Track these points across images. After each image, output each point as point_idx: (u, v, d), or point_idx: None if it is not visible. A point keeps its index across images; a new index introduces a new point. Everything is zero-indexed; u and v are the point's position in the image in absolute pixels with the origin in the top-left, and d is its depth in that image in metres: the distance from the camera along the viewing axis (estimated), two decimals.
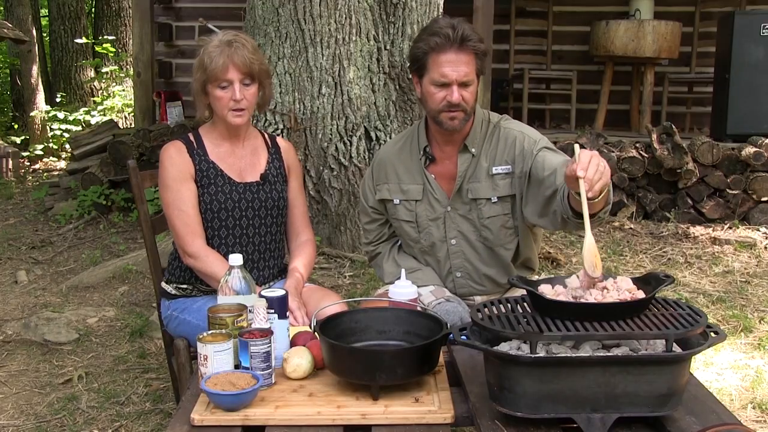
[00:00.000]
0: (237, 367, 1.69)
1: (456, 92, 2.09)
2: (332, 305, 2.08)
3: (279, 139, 2.52)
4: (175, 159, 2.31)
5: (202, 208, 2.31)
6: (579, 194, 1.66)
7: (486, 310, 1.64)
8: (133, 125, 8.28)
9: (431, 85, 2.13)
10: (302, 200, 2.52)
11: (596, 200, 1.74)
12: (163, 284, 2.45)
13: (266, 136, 2.49)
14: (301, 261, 2.42)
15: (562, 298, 1.61)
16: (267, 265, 2.41)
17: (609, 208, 1.91)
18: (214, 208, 2.31)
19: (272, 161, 2.43)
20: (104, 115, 9.98)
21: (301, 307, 2.22)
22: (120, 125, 8.55)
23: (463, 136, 2.22)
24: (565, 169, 1.84)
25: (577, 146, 1.75)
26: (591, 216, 1.85)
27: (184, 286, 2.40)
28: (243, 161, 2.38)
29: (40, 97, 11.06)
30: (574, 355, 1.48)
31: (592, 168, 1.65)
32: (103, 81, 11.11)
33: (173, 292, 2.41)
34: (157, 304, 2.56)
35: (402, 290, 1.97)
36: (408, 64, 2.27)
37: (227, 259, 1.89)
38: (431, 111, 2.17)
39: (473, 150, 2.22)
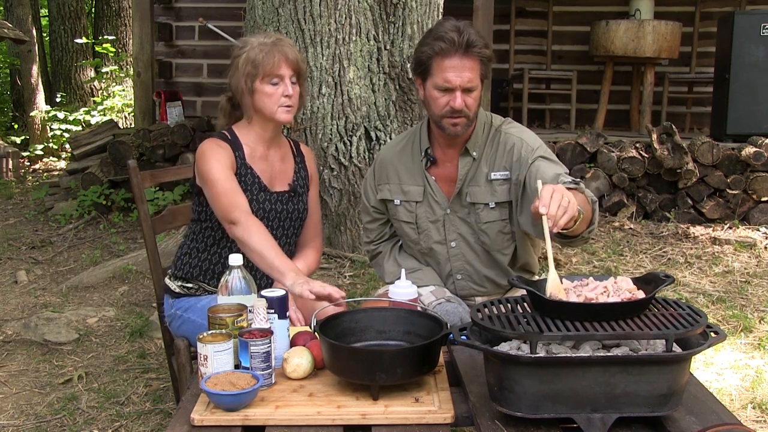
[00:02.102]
0: (237, 367, 1.69)
1: (459, 98, 2.08)
2: (330, 306, 2.08)
3: (302, 147, 2.49)
4: (224, 148, 2.25)
5: None
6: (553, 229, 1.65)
7: (486, 310, 1.65)
8: (133, 125, 8.28)
9: (434, 90, 2.12)
10: (317, 209, 2.50)
11: (572, 228, 1.74)
12: (167, 281, 2.43)
13: (291, 142, 2.47)
14: (299, 264, 2.40)
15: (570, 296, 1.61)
16: None
17: (594, 227, 1.91)
18: None
19: (298, 171, 2.41)
20: (104, 115, 9.97)
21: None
22: (120, 125, 8.56)
23: (465, 140, 2.22)
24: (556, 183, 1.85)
25: (539, 182, 1.73)
26: (574, 236, 1.86)
27: (190, 285, 2.38)
28: (273, 168, 2.35)
29: (40, 97, 11.06)
30: (574, 355, 1.48)
31: (554, 204, 1.63)
32: (103, 81, 11.11)
33: (177, 290, 2.39)
34: (157, 304, 2.56)
35: (402, 290, 1.97)
36: (411, 66, 2.27)
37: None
38: (434, 115, 2.16)
39: (474, 154, 2.22)
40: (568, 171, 2.09)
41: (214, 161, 2.22)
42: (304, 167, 2.44)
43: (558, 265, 4.28)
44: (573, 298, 1.59)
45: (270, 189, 2.32)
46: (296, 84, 2.27)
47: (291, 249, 2.42)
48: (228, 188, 2.19)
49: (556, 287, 1.63)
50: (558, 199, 1.63)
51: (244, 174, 2.27)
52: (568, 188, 1.77)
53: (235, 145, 2.29)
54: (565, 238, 1.87)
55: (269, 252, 2.08)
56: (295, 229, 2.38)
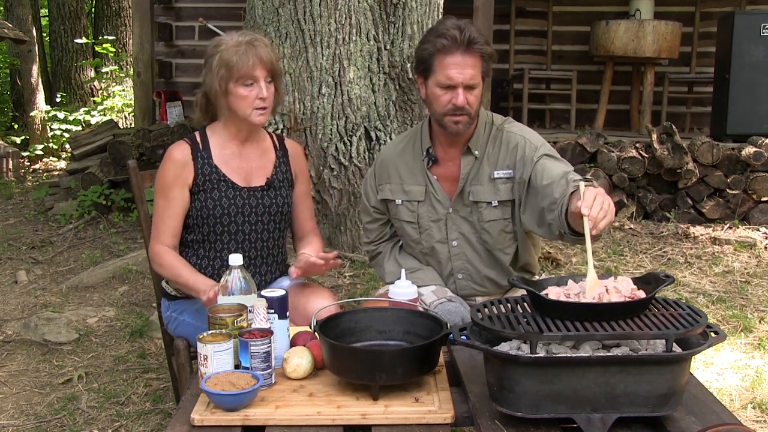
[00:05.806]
0: (237, 367, 1.69)
1: (461, 95, 2.09)
2: (328, 306, 2.07)
3: (287, 142, 2.48)
4: (178, 162, 2.28)
5: (204, 213, 2.28)
6: (582, 227, 1.67)
7: (486, 310, 1.65)
8: (133, 125, 8.28)
9: (436, 87, 2.12)
10: (308, 204, 2.49)
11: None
12: (164, 283, 2.44)
13: (274, 137, 2.45)
14: (307, 250, 2.39)
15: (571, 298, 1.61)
16: (269, 269, 2.40)
17: (608, 228, 1.92)
18: (216, 213, 2.28)
19: (279, 165, 2.40)
20: (104, 115, 9.97)
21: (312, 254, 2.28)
22: (120, 125, 8.55)
23: (467, 139, 2.22)
24: (563, 182, 1.88)
25: (582, 183, 1.75)
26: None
27: None
28: (250, 164, 2.34)
29: (40, 97, 11.05)
30: (574, 355, 1.48)
31: (596, 207, 1.66)
32: (103, 81, 11.11)
33: (173, 293, 2.40)
34: (157, 304, 2.56)
35: (402, 290, 1.97)
36: (413, 65, 2.28)
37: (228, 260, 1.87)
38: (435, 113, 2.16)
39: (476, 152, 2.22)
40: (573, 169, 2.10)
41: (161, 180, 2.30)
42: (287, 162, 2.42)
43: (558, 265, 4.28)
44: (615, 298, 1.59)
45: (242, 185, 2.31)
46: (271, 83, 2.26)
47: (277, 243, 2.41)
48: (161, 214, 2.29)
49: (594, 288, 1.62)
50: (600, 203, 1.67)
51: (208, 174, 2.29)
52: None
53: (203, 147, 2.30)
54: (577, 234, 1.87)
55: (182, 270, 2.24)
56: (276, 223, 2.37)
